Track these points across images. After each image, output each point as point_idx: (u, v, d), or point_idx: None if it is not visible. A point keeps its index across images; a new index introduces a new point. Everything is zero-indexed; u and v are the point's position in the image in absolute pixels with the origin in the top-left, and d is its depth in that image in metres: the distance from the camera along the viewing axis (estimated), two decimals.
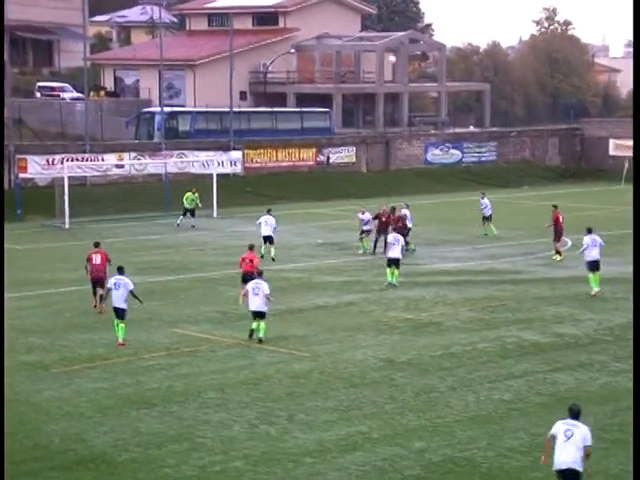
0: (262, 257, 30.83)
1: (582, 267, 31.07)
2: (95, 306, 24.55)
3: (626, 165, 57.50)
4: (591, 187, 54.53)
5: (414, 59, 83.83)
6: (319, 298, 26.57)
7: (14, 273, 30.17)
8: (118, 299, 21.42)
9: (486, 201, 37.56)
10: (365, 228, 34.04)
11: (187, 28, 75.99)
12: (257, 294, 21.42)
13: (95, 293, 24.65)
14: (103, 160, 47.33)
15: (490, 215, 37.37)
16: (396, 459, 15.15)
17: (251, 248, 25.67)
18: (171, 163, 48.48)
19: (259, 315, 21.60)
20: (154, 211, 44.12)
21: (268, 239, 32.47)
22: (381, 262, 32.33)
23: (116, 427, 16.36)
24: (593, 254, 26.62)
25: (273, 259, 31.89)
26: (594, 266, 26.69)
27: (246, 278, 24.08)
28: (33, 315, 24.53)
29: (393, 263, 27.95)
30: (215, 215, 42.34)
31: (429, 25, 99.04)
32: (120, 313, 21.45)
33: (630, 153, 59.81)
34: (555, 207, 33.26)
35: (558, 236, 32.60)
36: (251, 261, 25.18)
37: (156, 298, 25.68)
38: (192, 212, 40.63)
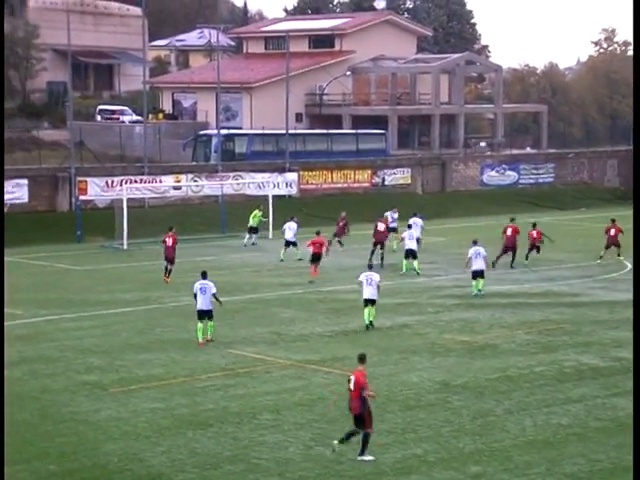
0: (282, 261, 35.86)
1: None
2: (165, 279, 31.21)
3: None
4: None
5: (470, 81, 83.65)
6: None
7: (73, 294, 30.67)
8: (205, 302, 23.41)
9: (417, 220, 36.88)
10: (392, 226, 37.91)
11: (244, 51, 76.86)
12: (370, 284, 24.87)
13: (166, 268, 31.74)
14: (161, 182, 47.93)
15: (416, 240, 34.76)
16: None
17: (318, 233, 32.33)
18: (227, 185, 48.89)
19: (371, 302, 25.03)
20: (210, 232, 44.48)
21: (292, 243, 36.20)
22: (436, 284, 32.22)
23: (173, 447, 16.48)
24: (477, 265, 29.54)
25: (282, 260, 35.83)
26: (478, 274, 29.63)
27: (315, 258, 31.90)
28: (91, 335, 24.87)
29: (410, 254, 33.35)
30: (271, 236, 42.56)
31: (486, 47, 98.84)
32: (208, 314, 23.51)
33: None
34: (613, 221, 36.47)
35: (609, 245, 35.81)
36: (320, 244, 31.89)
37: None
38: (256, 230, 40.98)
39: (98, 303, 29.00)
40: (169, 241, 31.93)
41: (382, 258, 34.54)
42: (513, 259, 34.88)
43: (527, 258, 35.57)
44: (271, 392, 19.62)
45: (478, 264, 29.84)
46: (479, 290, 29.90)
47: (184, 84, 70.83)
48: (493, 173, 59.66)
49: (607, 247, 36.33)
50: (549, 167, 61.54)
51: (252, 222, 41.09)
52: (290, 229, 36.14)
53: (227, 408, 18.58)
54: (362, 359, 16.24)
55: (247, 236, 41.09)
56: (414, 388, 19.83)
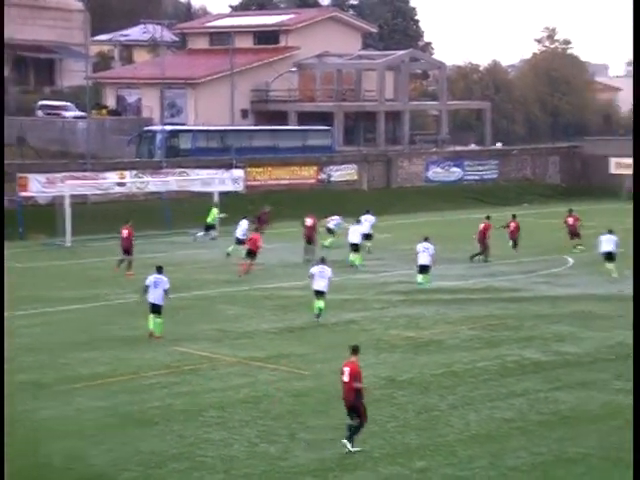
0: (228, 255, 36.10)
1: (583, 285, 31.17)
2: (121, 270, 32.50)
3: (626, 184, 57.59)
4: (591, 205, 54.53)
5: (415, 77, 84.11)
6: (320, 316, 26.57)
7: (15, 291, 30.19)
8: (157, 296, 23.62)
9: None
10: (330, 226, 38.64)
11: (188, 47, 76.34)
12: (322, 277, 25.74)
13: (121, 261, 33.27)
14: (104, 178, 47.43)
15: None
16: (397, 478, 15.13)
17: (256, 230, 33.81)
18: (172, 181, 48.56)
19: (321, 294, 25.72)
20: (155, 229, 44.15)
21: (241, 242, 35.82)
22: (382, 280, 32.40)
23: (117, 446, 16.35)
24: (422, 259, 30.69)
25: (228, 254, 36.02)
26: (423, 269, 30.76)
27: (249, 254, 32.65)
28: (34, 333, 24.55)
29: (353, 248, 34.98)
30: (217, 233, 42.37)
31: (429, 44, 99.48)
32: (158, 309, 23.64)
33: (630, 171, 60.04)
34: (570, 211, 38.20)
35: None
36: (255, 241, 32.70)
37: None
38: (213, 227, 41.38)
39: (42, 301, 28.64)
40: (124, 233, 33.54)
41: (313, 253, 34.90)
42: (480, 254, 35.45)
43: (515, 246, 36.97)
44: (216, 389, 19.57)
45: (424, 259, 30.65)
46: (420, 283, 30.76)
47: (128, 80, 70.10)
48: (438, 169, 60.10)
49: (571, 237, 37.77)
50: (493, 164, 62.17)
51: (209, 219, 41.14)
52: (240, 227, 36.32)
53: (172, 406, 18.49)
54: (355, 350, 16.38)
55: (202, 233, 41.05)
56: None
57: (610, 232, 33.13)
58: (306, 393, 19.34)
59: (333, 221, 39.00)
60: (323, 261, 26.57)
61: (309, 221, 36.13)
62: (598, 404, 18.68)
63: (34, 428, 17.20)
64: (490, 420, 17.69)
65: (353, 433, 15.94)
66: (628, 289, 29.83)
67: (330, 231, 38.86)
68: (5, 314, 26.50)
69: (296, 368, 21.16)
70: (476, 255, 35.73)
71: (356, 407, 16.01)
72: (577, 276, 33.12)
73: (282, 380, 20.22)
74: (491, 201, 56.35)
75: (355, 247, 34.92)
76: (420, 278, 30.87)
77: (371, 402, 18.64)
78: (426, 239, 31.26)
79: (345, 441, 15.97)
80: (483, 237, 35.70)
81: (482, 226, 35.95)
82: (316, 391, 19.48)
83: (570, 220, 38.25)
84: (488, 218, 36.62)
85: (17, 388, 19.47)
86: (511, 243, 37.40)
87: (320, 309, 25.78)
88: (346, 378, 16.05)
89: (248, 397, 19.06)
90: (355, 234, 35.02)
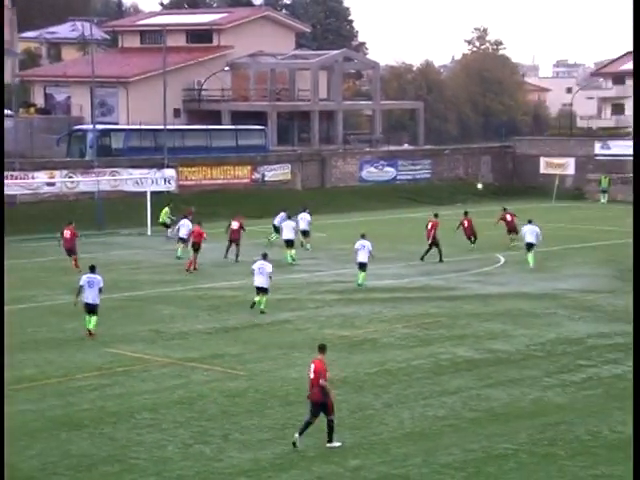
0: (179, 258, 36.03)
1: (515, 283, 31.64)
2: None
3: (556, 183, 58.63)
4: (523, 204, 55.34)
5: (348, 77, 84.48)
6: (254, 316, 26.51)
7: None
8: (92, 296, 23.77)
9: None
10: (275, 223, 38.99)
11: (119, 45, 75.52)
12: (262, 273, 26.36)
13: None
14: (33, 178, 46.67)
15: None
16: (332, 477, 15.16)
17: (199, 224, 34.08)
18: (104, 181, 48.00)
19: (262, 290, 26.48)
20: (86, 230, 43.53)
21: (184, 240, 36.25)
22: (317, 279, 32.44)
23: (45, 450, 16.08)
24: (360, 257, 30.86)
25: (178, 258, 36.04)
26: (362, 267, 30.94)
27: (194, 248, 33.66)
28: None
29: (288, 243, 35.93)
30: (149, 233, 42.00)
31: (363, 44, 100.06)
32: (94, 308, 23.85)
33: (559, 171, 61.14)
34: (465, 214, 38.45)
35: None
36: (200, 234, 33.46)
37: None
38: (166, 225, 41.22)
39: None
40: (67, 233, 34.00)
41: (237, 255, 35.40)
42: (427, 253, 35.58)
43: (474, 242, 37.86)
44: (149, 391, 19.39)
45: (362, 256, 30.84)
46: (362, 284, 30.75)
47: (57, 78, 69.06)
48: (372, 169, 60.41)
49: (509, 233, 38.48)
50: (426, 163, 62.69)
51: (161, 218, 41.12)
52: (184, 226, 36.43)
53: (103, 408, 18.26)
54: (322, 349, 16.65)
55: (169, 230, 40.72)
56: (294, 384, 19.90)
57: (530, 222, 35.14)
58: (240, 393, 19.27)
59: (278, 217, 39.31)
60: (265, 257, 26.96)
61: (235, 224, 36.09)
62: (529, 401, 18.96)
63: None
64: (423, 418, 17.84)
65: (330, 431, 16.24)
66: (559, 284, 30.39)
67: (275, 228, 39.22)
68: None
69: (230, 368, 21.07)
70: (426, 253, 35.55)
71: (324, 404, 16.25)
72: (508, 274, 33.60)
73: (216, 380, 20.12)
74: (424, 200, 56.84)
75: (290, 243, 35.69)
76: (360, 278, 30.79)
77: (305, 402, 18.64)
78: (363, 236, 31.42)
79: (297, 435, 16.10)
80: (433, 235, 35.57)
81: (430, 224, 35.99)
82: (250, 391, 19.43)
83: (508, 217, 39.00)
84: (436, 216, 36.67)
85: None
86: (471, 239, 37.98)
87: (259, 303, 26.52)
88: (312, 375, 16.32)
89: (182, 398, 18.92)
90: (289, 230, 35.94)
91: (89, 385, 19.72)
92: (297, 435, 16.14)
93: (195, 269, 33.54)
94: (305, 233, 38.16)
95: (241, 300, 28.83)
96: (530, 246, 34.36)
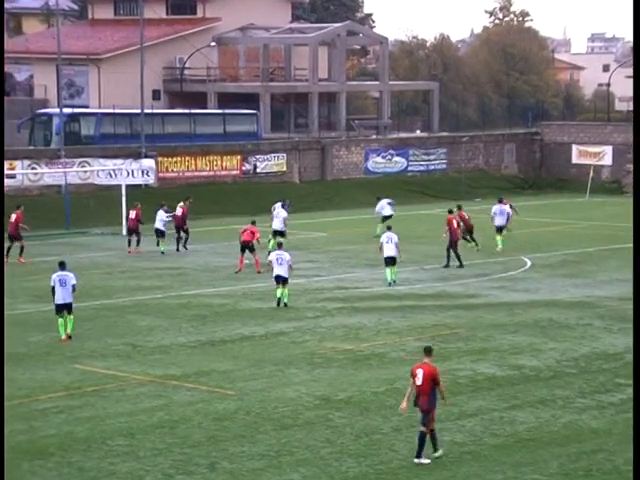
0: (162, 253, 38.52)
1: (544, 290, 31.67)
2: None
3: (591, 174, 58.67)
4: (552, 199, 55.58)
5: (352, 54, 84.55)
6: (245, 327, 26.55)
7: None
8: (64, 294, 24.61)
9: None
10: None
11: (90, 16, 75.61)
12: (281, 263, 28.36)
13: (9, 249, 36.17)
14: None
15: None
16: None
17: (253, 223, 34.82)
18: (72, 173, 48.07)
19: (283, 280, 28.37)
20: (52, 228, 43.63)
21: (161, 233, 38.88)
22: (316, 285, 32.48)
23: None
24: (388, 251, 31.80)
25: (162, 252, 38.47)
26: (390, 262, 31.88)
27: (244, 247, 33.84)
28: None
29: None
30: (124, 233, 42.04)
31: (369, 15, 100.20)
32: (68, 307, 24.68)
33: (594, 161, 61.21)
34: (459, 208, 37.58)
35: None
36: (252, 233, 33.92)
37: (55, 329, 25.35)
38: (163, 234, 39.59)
39: None
40: (12, 217, 36.28)
41: (137, 242, 38.61)
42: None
43: (473, 242, 37.85)
44: (124, 413, 19.42)
45: (389, 250, 31.74)
46: (393, 280, 31.89)
47: (17, 54, 69.12)
48: (379, 159, 60.49)
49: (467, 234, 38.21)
50: (441, 152, 62.79)
51: (157, 224, 40.04)
52: (158, 217, 38.60)
53: (72, 433, 18.29)
54: (429, 351, 17.12)
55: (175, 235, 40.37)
56: (291, 404, 19.93)
57: (500, 201, 38.38)
58: (229, 416, 19.30)
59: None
60: (280, 246, 29.62)
61: (132, 213, 38.98)
62: (560, 425, 18.97)
63: None
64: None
65: (435, 439, 16.98)
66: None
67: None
68: None
69: (218, 387, 21.10)
70: (456, 259, 35.26)
71: (429, 413, 16.85)
72: (536, 280, 33.63)
73: (201, 401, 20.14)
74: (439, 195, 56.93)
75: (280, 234, 37.06)
76: (389, 273, 31.89)
77: (303, 425, 18.69)
78: (389, 228, 32.78)
79: (437, 453, 16.93)
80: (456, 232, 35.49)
81: (455, 221, 35.60)
82: (240, 413, 19.46)
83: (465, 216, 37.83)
84: (450, 212, 36.33)
85: None
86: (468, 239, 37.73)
87: (283, 295, 28.55)
88: (420, 382, 16.80)
89: (162, 421, 18.95)
90: (279, 220, 38.17)
91: (55, 407, 19.75)
92: (420, 460, 16.76)
93: (259, 271, 33.27)
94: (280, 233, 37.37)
95: (230, 309, 28.88)
96: (500, 229, 37.78)
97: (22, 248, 36.16)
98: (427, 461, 16.83)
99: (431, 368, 16.90)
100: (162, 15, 69.69)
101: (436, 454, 16.99)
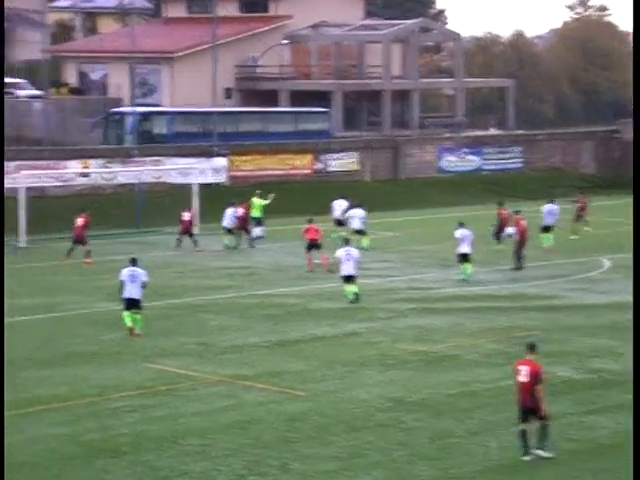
0: (227, 247, 39.62)
1: (624, 292, 31.19)
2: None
3: None
4: (632, 199, 54.49)
5: (426, 51, 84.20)
6: (317, 328, 26.59)
7: None
8: (134, 290, 25.07)
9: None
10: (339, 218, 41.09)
11: (163, 15, 76.36)
12: (349, 259, 28.64)
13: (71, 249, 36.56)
14: (65, 168, 47.43)
15: None
16: None
17: (311, 221, 35.03)
18: (145, 172, 48.58)
19: (351, 279, 28.69)
20: (124, 227, 44.14)
21: (229, 230, 39.99)
22: (389, 285, 32.40)
23: (78, 479, 16.30)
24: (463, 248, 32.35)
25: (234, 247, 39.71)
26: (465, 258, 32.39)
27: (311, 246, 34.04)
28: None
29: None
30: (196, 231, 42.33)
31: (442, 12, 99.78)
32: (137, 304, 25.13)
33: None
34: (500, 205, 39.88)
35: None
36: (316, 230, 34.27)
37: (126, 328, 25.63)
38: (260, 221, 41.83)
39: None
40: (79, 221, 36.88)
41: (195, 243, 38.96)
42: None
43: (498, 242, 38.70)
44: (197, 413, 19.56)
45: (465, 247, 32.20)
46: (467, 275, 32.24)
47: (92, 53, 70.09)
48: (452, 158, 60.17)
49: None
50: (516, 151, 62.25)
51: (256, 213, 41.70)
52: (230, 216, 39.75)
53: (144, 432, 18.47)
54: (533, 348, 17.18)
55: (258, 229, 41.71)
56: (363, 406, 19.90)
57: (551, 202, 39.49)
58: (300, 417, 19.34)
59: (339, 208, 41.30)
60: (347, 242, 29.86)
61: (187, 215, 39.61)
62: None
63: None
64: (514, 448, 17.66)
65: (544, 437, 16.89)
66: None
67: (341, 222, 40.83)
68: None
69: (289, 388, 21.15)
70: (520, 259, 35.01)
71: (535, 409, 16.82)
72: (616, 281, 33.14)
73: (273, 402, 20.20)
74: (515, 194, 56.33)
75: (362, 233, 38.46)
76: (463, 270, 32.27)
77: (375, 427, 18.67)
78: (461, 224, 33.01)
79: (539, 451, 16.84)
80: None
81: (522, 221, 35.26)
82: (312, 414, 19.49)
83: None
84: (517, 213, 36.23)
85: None
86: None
87: (355, 294, 28.78)
88: (524, 378, 16.84)
89: (233, 422, 19.05)
90: (356, 220, 38.75)
91: (128, 406, 19.97)
92: (526, 458, 16.74)
93: (330, 271, 33.07)
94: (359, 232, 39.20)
95: (302, 309, 28.94)
96: (547, 228, 38.43)
97: (88, 252, 36.30)
98: (545, 454, 16.75)
99: (536, 366, 16.87)
100: (235, 13, 70.08)
101: (541, 452, 16.85)
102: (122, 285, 25.32)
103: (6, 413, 19.42)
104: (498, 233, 39.04)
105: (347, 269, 28.79)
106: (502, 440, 18.10)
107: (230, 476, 16.50)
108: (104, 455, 17.34)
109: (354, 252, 29.03)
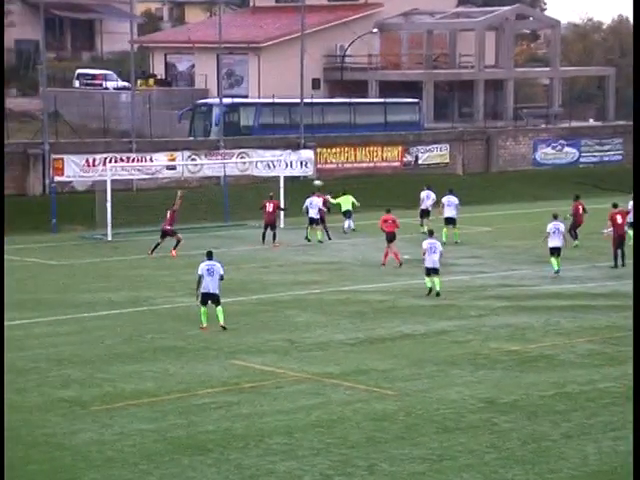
0: (309, 240, 40.07)
1: None
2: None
3: None
4: None
5: (521, 39, 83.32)
6: (405, 325, 26.53)
7: (48, 294, 30.81)
8: (212, 284, 25.42)
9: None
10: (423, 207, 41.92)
11: (251, 5, 76.91)
12: (434, 252, 29.14)
13: (265, 235, 39.04)
14: (152, 160, 48.06)
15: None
16: None
17: (388, 211, 35.05)
18: (231, 164, 48.98)
19: (434, 271, 29.18)
20: (210, 220, 44.57)
21: (315, 221, 40.18)
22: (480, 282, 32.17)
23: (165, 476, 16.53)
24: (554, 241, 32.64)
25: (309, 240, 40.06)
26: (556, 252, 32.69)
27: (390, 238, 34.14)
28: (69, 343, 24.98)
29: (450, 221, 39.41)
30: (282, 225, 42.61)
31: None
32: (215, 298, 25.51)
33: None
34: (576, 198, 39.62)
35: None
36: (393, 222, 34.13)
37: (212, 324, 25.93)
38: (349, 214, 42.57)
39: (77, 305, 29.12)
40: (269, 206, 39.22)
41: (274, 236, 39.07)
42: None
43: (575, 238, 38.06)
44: (282, 411, 19.67)
45: (556, 241, 32.59)
46: (557, 270, 32.54)
47: (179, 44, 70.94)
48: (548, 150, 59.51)
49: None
50: (617, 143, 61.31)
51: (347, 207, 42.35)
52: (312, 206, 40.00)
53: (230, 430, 18.64)
54: None
55: (347, 222, 42.46)
56: (453, 407, 19.82)
57: (450, 192, 39.84)
58: (388, 417, 19.32)
59: (427, 199, 41.80)
60: (431, 234, 30.22)
61: (270, 206, 39.53)
62: None
63: (69, 454, 17.47)
64: (614, 454, 17.44)
65: None
66: None
67: (427, 213, 41.59)
68: (35, 320, 27.05)
69: (377, 387, 21.15)
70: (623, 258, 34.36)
71: None
72: None
73: (360, 401, 20.21)
74: (614, 188, 55.41)
75: (451, 221, 39.11)
76: (555, 264, 32.55)
77: (466, 429, 18.56)
78: (555, 217, 33.31)
79: None
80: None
81: (620, 216, 34.78)
82: (400, 414, 19.45)
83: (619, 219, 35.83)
84: (615, 206, 35.48)
85: (50, 407, 19.83)
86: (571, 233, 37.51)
87: (437, 284, 29.25)
88: None
89: (320, 420, 19.12)
90: (451, 208, 39.25)
91: (214, 402, 20.16)
92: None
93: (400, 264, 33.98)
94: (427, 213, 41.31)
95: (390, 306, 28.90)
96: (450, 220, 38.82)
97: (178, 242, 36.98)
98: None
99: None
100: (323, 2, 70.26)
101: None
102: (200, 279, 25.60)
103: (94, 408, 19.81)
104: (574, 229, 38.11)
105: (431, 261, 29.21)
106: (600, 445, 17.85)
107: (316, 476, 16.56)
108: (190, 452, 17.54)
109: (438, 245, 29.58)
